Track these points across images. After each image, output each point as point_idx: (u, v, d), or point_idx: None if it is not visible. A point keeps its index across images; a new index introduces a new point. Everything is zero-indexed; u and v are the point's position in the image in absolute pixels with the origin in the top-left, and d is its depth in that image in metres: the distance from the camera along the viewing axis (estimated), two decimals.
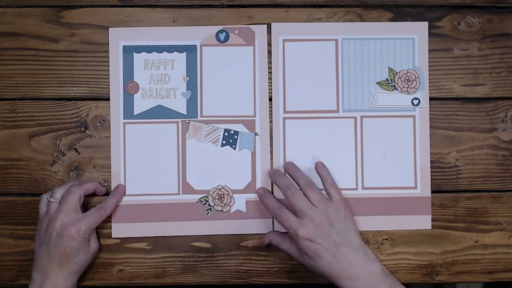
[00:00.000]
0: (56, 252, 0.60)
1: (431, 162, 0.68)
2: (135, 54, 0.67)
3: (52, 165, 0.67)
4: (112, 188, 0.66)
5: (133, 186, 0.66)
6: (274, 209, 0.62)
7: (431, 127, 0.68)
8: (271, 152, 0.67)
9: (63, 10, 0.67)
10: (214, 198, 0.67)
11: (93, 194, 0.66)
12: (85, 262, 0.62)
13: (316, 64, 0.68)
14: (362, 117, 0.67)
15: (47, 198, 0.63)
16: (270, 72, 0.67)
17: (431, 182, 0.67)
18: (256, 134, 0.67)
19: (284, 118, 0.67)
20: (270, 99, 0.67)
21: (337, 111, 0.68)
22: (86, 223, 0.61)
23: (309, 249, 0.58)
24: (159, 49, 0.67)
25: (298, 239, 0.58)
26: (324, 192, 0.63)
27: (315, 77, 0.67)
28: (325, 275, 0.59)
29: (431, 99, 0.68)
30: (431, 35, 0.68)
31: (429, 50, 0.68)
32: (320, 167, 0.65)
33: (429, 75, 0.68)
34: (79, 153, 0.67)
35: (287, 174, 0.66)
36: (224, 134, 0.67)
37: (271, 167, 0.67)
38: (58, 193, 0.63)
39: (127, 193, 0.66)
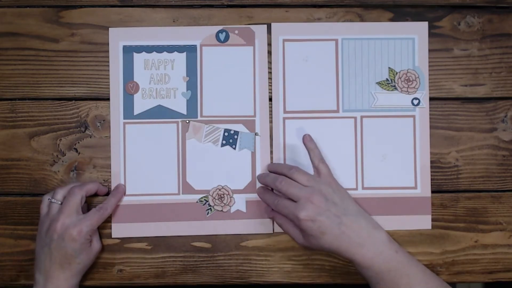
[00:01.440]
0: (58, 254, 0.60)
1: (431, 162, 0.68)
2: (135, 54, 0.67)
3: (52, 165, 0.67)
4: (112, 188, 0.66)
5: (133, 186, 0.66)
6: (272, 201, 0.62)
7: (431, 127, 0.68)
8: (271, 152, 0.67)
9: (63, 10, 0.67)
10: (214, 198, 0.67)
11: (95, 194, 0.66)
12: (87, 262, 0.62)
13: (316, 64, 0.68)
14: (362, 117, 0.67)
15: (49, 199, 0.63)
16: (270, 72, 0.67)
17: (431, 182, 0.67)
18: (256, 134, 0.67)
19: (284, 118, 0.67)
20: (270, 99, 0.67)
21: (337, 111, 0.68)
22: (88, 224, 0.61)
23: (312, 229, 0.58)
24: (159, 49, 0.67)
25: (300, 222, 0.58)
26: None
27: (315, 77, 0.67)
28: (332, 251, 0.59)
29: (431, 99, 0.68)
30: (431, 35, 0.68)
31: (429, 50, 0.68)
32: (308, 140, 0.65)
33: (429, 75, 0.68)
34: (79, 153, 0.67)
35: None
36: (224, 134, 0.67)
37: None
38: (60, 194, 0.63)
39: (127, 193, 0.66)
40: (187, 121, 0.67)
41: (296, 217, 0.58)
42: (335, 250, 0.58)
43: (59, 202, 0.62)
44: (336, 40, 0.68)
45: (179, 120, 0.67)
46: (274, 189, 0.63)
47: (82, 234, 0.60)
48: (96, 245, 0.63)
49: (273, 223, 0.67)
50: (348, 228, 0.58)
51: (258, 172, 0.67)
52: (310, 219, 0.58)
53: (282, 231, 0.65)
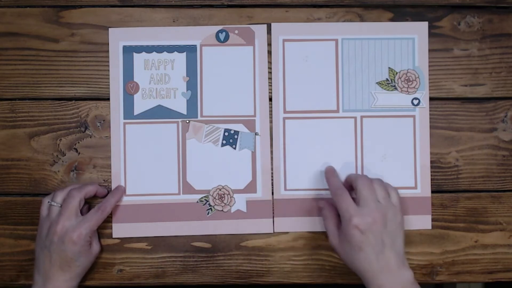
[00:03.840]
0: (58, 256, 0.60)
1: (431, 162, 0.68)
2: (135, 54, 0.67)
3: (52, 165, 0.67)
4: (113, 188, 0.66)
5: (133, 186, 0.66)
6: (336, 188, 0.60)
7: (431, 127, 0.68)
8: (271, 152, 0.67)
9: (63, 10, 0.67)
10: (215, 198, 0.67)
11: (95, 196, 0.66)
12: (86, 265, 0.62)
13: (316, 64, 0.68)
14: (362, 117, 0.67)
15: (48, 202, 0.63)
16: (270, 72, 0.67)
17: (431, 182, 0.67)
18: (256, 134, 0.67)
19: (284, 118, 0.67)
20: (270, 99, 0.67)
21: (337, 111, 0.68)
22: (87, 226, 0.61)
23: (355, 239, 0.57)
24: (159, 49, 0.67)
25: (350, 225, 0.57)
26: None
27: (315, 77, 0.67)
28: (357, 269, 0.57)
29: (431, 99, 0.68)
30: (431, 35, 0.68)
31: (429, 50, 0.68)
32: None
33: (429, 75, 0.68)
34: (79, 153, 0.67)
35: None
36: (224, 134, 0.67)
37: (271, 167, 0.67)
38: (59, 196, 0.62)
39: (127, 193, 0.66)
40: (187, 121, 0.67)
41: (350, 218, 0.57)
42: (361, 270, 0.57)
43: (59, 205, 0.62)
44: (336, 40, 0.68)
45: (179, 120, 0.67)
46: (346, 182, 0.62)
47: (81, 237, 0.60)
48: (95, 247, 0.64)
49: (273, 223, 0.67)
50: (385, 260, 0.57)
51: (259, 172, 0.67)
52: (360, 229, 0.56)
53: (283, 231, 0.65)
